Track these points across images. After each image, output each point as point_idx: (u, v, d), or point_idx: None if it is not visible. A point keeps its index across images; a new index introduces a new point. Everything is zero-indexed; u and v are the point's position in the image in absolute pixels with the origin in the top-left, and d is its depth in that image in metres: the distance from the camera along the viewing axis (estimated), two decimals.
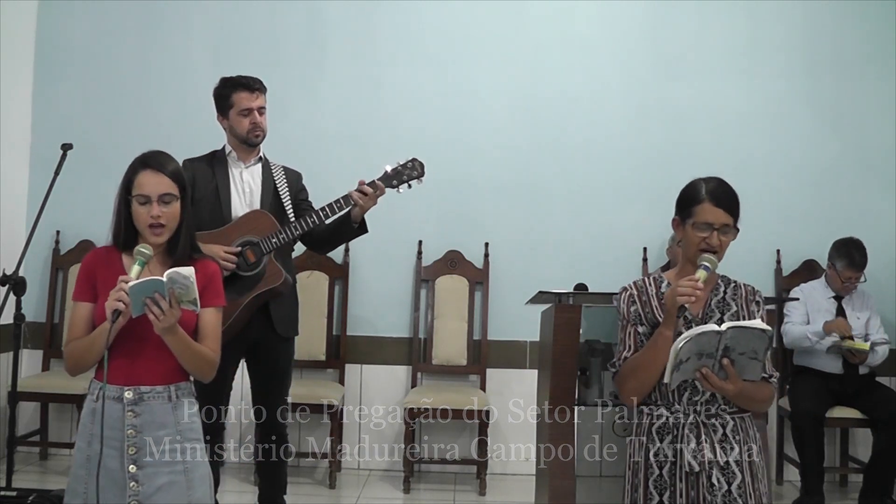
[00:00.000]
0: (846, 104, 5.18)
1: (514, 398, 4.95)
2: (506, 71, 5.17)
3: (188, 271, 2.19)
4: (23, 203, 5.07)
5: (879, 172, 5.14)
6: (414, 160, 3.49)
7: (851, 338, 4.50)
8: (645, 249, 5.10)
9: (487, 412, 4.68)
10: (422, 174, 3.49)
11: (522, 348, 5.05)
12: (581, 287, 3.62)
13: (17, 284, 3.51)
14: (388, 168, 3.47)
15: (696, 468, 2.29)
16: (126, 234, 2.35)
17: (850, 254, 4.57)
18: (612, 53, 5.19)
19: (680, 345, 2.13)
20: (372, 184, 3.41)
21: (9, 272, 3.51)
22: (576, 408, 3.38)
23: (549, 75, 5.17)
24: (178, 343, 2.25)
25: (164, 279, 2.17)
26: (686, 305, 2.25)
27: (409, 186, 3.49)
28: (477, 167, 5.13)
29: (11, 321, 3.53)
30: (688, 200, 2.37)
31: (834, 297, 4.68)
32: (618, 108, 5.17)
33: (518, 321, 4.84)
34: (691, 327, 2.30)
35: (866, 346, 4.47)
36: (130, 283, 2.17)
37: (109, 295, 2.19)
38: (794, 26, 5.19)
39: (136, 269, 2.24)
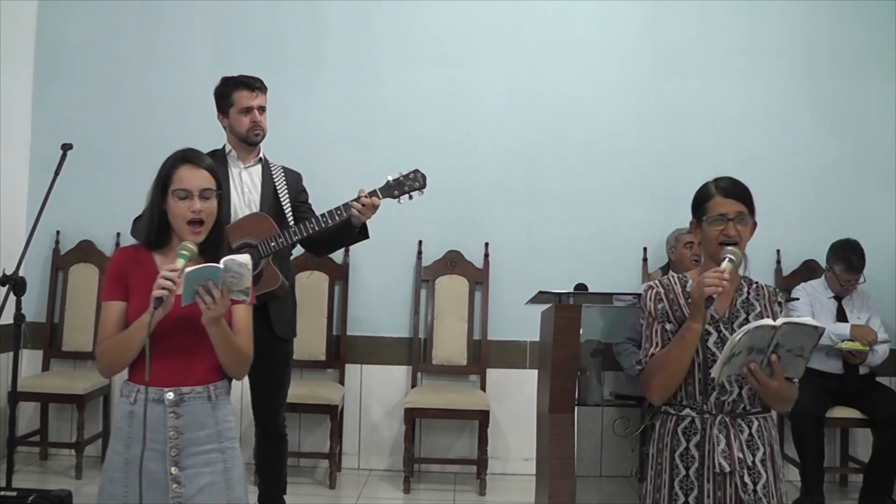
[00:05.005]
0: (846, 104, 5.18)
1: (514, 398, 4.97)
2: (506, 71, 5.18)
3: (244, 259, 2.13)
4: (23, 203, 5.07)
5: (879, 172, 5.14)
6: (416, 171, 3.46)
7: (852, 339, 4.50)
8: (645, 249, 5.10)
9: (487, 412, 4.68)
10: (423, 186, 3.46)
11: (522, 348, 5.05)
12: (581, 287, 3.62)
13: (17, 284, 3.51)
14: (390, 178, 3.44)
15: (728, 468, 2.29)
16: (160, 231, 2.29)
17: (847, 257, 4.57)
18: (612, 53, 5.19)
19: (737, 338, 2.12)
20: (372, 193, 3.40)
21: (9, 272, 3.51)
22: (576, 408, 3.38)
23: (549, 75, 5.18)
24: (221, 336, 2.20)
25: (221, 266, 2.11)
26: (714, 296, 2.24)
27: (410, 197, 3.45)
28: (477, 167, 5.13)
29: (11, 321, 3.52)
30: (700, 200, 2.41)
31: (834, 298, 4.68)
32: (618, 108, 5.17)
33: (518, 321, 4.83)
34: (718, 326, 2.33)
35: (866, 346, 4.47)
36: (188, 269, 2.10)
37: (155, 284, 2.11)
38: (794, 26, 5.19)
39: (180, 262, 2.16)
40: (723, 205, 2.34)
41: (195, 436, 2.23)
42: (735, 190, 2.37)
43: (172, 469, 2.20)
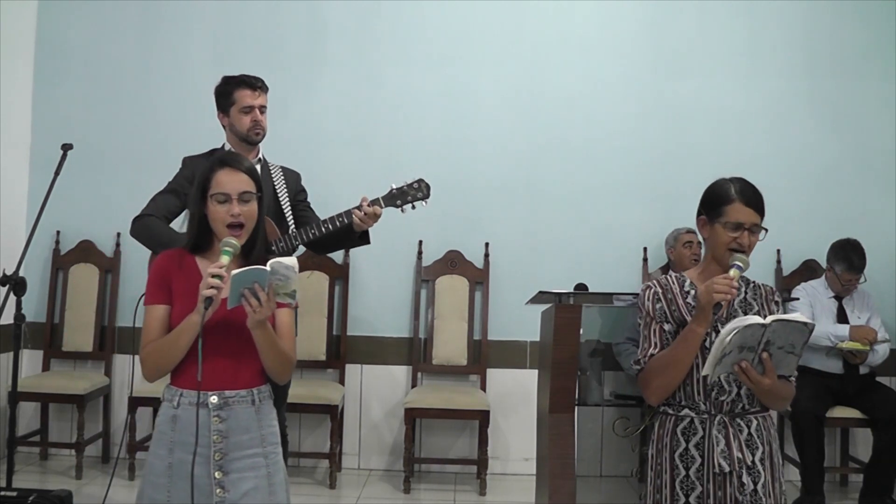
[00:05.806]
0: (846, 104, 5.18)
1: (514, 398, 4.97)
2: (506, 71, 5.18)
3: (291, 261, 2.12)
4: (23, 203, 5.07)
5: (879, 172, 5.14)
6: (420, 181, 3.45)
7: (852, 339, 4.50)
8: (645, 249, 5.10)
9: (487, 412, 4.68)
10: (427, 195, 3.45)
11: (522, 348, 5.05)
12: (581, 287, 3.62)
13: (17, 284, 3.51)
14: (394, 186, 3.43)
15: (727, 469, 2.28)
16: (201, 236, 2.29)
17: (848, 257, 4.57)
18: (612, 53, 5.19)
19: (727, 338, 2.12)
20: (374, 202, 3.38)
21: (9, 272, 3.51)
22: (576, 408, 3.38)
23: (549, 75, 5.18)
24: (266, 339, 2.19)
25: (268, 268, 2.10)
26: (722, 303, 2.24)
27: (413, 207, 3.45)
28: (477, 167, 5.13)
29: (11, 321, 3.52)
30: (717, 200, 2.36)
31: (834, 297, 4.68)
32: (618, 108, 5.17)
33: (518, 321, 4.84)
34: (716, 326, 2.32)
35: (866, 346, 4.47)
36: (234, 272, 2.08)
37: (202, 283, 2.11)
38: (794, 26, 5.19)
39: (225, 259, 2.15)
40: (742, 213, 2.32)
41: (239, 440, 2.21)
42: (755, 199, 2.34)
43: (216, 473, 2.18)
